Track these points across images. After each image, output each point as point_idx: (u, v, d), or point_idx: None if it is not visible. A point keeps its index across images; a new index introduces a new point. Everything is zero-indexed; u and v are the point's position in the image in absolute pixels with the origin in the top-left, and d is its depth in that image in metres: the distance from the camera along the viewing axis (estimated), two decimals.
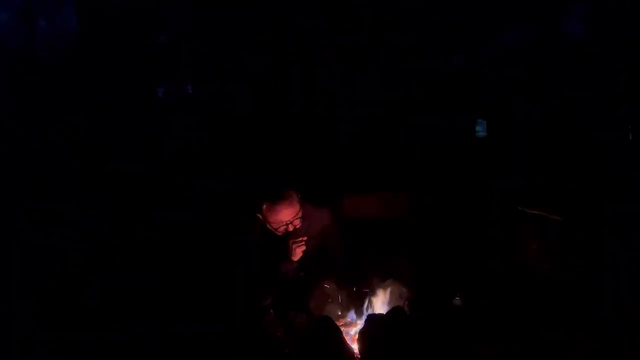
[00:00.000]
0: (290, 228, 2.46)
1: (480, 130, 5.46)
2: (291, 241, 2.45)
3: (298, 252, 2.47)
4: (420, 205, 3.48)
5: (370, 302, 2.39)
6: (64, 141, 5.14)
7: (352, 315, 2.46)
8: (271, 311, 2.39)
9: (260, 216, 2.49)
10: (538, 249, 1.97)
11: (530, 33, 6.10)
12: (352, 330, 2.29)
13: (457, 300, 2.35)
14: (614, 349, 1.56)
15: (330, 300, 2.48)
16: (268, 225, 2.48)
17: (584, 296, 1.72)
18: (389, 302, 2.42)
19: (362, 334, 1.99)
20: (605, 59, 5.41)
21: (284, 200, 2.42)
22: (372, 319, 2.00)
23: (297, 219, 2.45)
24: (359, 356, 1.96)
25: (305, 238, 2.46)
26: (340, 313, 2.45)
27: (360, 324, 2.30)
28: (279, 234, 2.48)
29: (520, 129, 4.95)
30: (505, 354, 1.77)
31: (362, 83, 5.04)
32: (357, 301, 2.43)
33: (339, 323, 2.21)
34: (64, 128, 5.32)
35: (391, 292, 2.52)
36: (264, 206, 2.44)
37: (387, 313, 2.04)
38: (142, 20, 6.02)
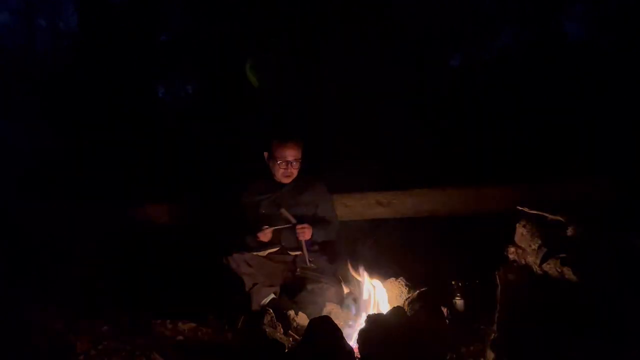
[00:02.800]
0: (289, 170, 2.86)
1: (480, 129, 5.44)
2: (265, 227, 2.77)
3: (263, 236, 2.77)
4: (422, 204, 3.47)
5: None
6: (65, 140, 5.14)
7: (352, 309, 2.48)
8: (271, 311, 2.39)
9: (266, 154, 2.91)
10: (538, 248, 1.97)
11: (529, 33, 6.11)
12: (352, 331, 2.30)
13: (458, 299, 2.35)
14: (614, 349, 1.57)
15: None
16: (271, 164, 2.90)
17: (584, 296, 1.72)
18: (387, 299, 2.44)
19: (362, 334, 1.99)
20: (605, 59, 5.41)
21: (292, 139, 2.89)
22: (372, 319, 2.00)
23: (296, 162, 2.87)
24: (359, 356, 1.96)
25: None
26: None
27: (360, 324, 2.31)
28: (278, 174, 2.88)
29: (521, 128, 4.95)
30: (506, 353, 1.76)
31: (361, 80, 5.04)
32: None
33: (338, 323, 2.21)
34: (65, 127, 5.32)
35: (391, 292, 2.54)
36: (274, 141, 2.88)
37: (387, 313, 2.04)
38: (142, 20, 6.01)
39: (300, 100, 5.07)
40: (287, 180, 2.90)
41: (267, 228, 2.75)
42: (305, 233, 2.78)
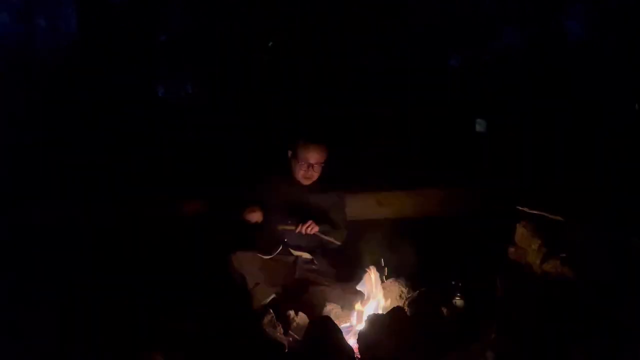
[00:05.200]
0: (309, 172, 2.82)
1: (480, 129, 5.47)
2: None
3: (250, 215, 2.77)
4: (422, 204, 3.48)
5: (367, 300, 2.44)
6: (64, 141, 5.13)
7: (352, 317, 2.48)
8: (271, 311, 2.39)
9: (290, 152, 2.86)
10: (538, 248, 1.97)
11: (529, 33, 6.11)
12: (352, 331, 2.30)
13: (458, 299, 2.35)
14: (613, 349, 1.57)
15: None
16: (293, 163, 2.85)
17: (585, 296, 1.72)
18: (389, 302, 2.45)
19: (362, 334, 1.99)
20: (604, 58, 5.41)
21: (318, 142, 2.84)
22: (372, 319, 2.01)
23: (318, 165, 2.83)
24: (359, 356, 1.96)
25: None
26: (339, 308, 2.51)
27: (360, 324, 2.31)
28: (299, 175, 2.84)
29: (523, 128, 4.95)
30: (506, 353, 1.76)
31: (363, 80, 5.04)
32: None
33: (338, 323, 2.21)
34: (64, 127, 5.32)
35: (391, 292, 2.54)
36: (300, 141, 2.84)
37: (387, 313, 2.04)
38: (142, 20, 6.02)
39: (299, 99, 5.08)
40: (306, 182, 2.87)
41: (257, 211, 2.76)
42: (311, 227, 2.74)
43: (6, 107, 5.33)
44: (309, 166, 2.81)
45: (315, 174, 2.85)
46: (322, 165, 2.85)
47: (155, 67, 6.28)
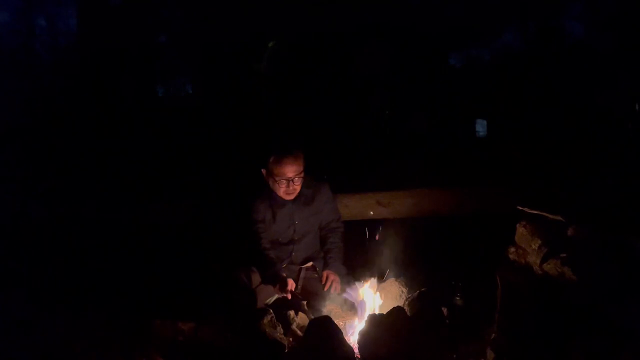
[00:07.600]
0: (291, 187, 2.62)
1: (480, 130, 5.47)
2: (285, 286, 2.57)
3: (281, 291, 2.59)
4: (422, 204, 3.47)
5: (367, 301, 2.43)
6: (63, 140, 5.14)
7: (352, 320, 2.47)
8: (271, 311, 2.39)
9: (264, 171, 2.66)
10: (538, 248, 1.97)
11: (529, 33, 6.12)
12: (352, 331, 2.30)
13: (458, 299, 2.35)
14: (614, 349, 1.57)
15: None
16: (271, 182, 2.65)
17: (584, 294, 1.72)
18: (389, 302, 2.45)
19: (362, 334, 1.99)
20: (604, 58, 5.41)
21: (290, 154, 2.60)
22: (372, 319, 2.00)
23: (298, 178, 2.61)
24: (359, 356, 1.96)
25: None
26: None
27: (360, 324, 2.31)
28: (280, 192, 2.65)
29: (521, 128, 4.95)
30: (506, 353, 1.77)
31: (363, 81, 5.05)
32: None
33: (338, 323, 2.21)
34: (63, 126, 5.32)
35: (391, 292, 2.54)
36: (271, 158, 2.61)
37: (387, 313, 2.04)
38: (142, 20, 6.02)
39: (300, 99, 5.08)
40: (290, 198, 2.69)
41: (291, 288, 2.56)
42: (337, 287, 2.65)
43: (5, 106, 5.34)
44: (288, 181, 2.60)
45: (297, 187, 2.65)
46: (302, 174, 2.65)
47: (155, 68, 6.28)
